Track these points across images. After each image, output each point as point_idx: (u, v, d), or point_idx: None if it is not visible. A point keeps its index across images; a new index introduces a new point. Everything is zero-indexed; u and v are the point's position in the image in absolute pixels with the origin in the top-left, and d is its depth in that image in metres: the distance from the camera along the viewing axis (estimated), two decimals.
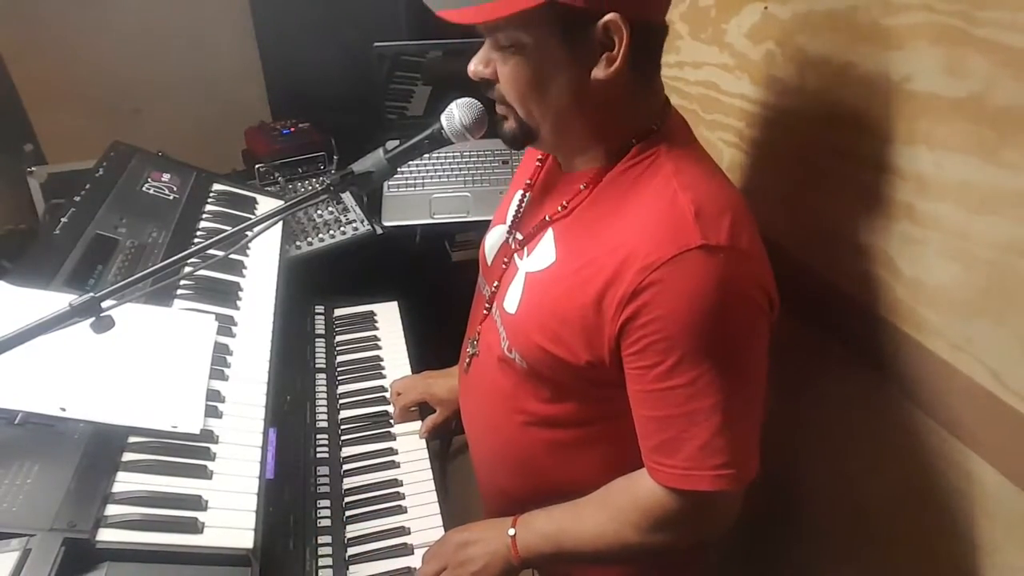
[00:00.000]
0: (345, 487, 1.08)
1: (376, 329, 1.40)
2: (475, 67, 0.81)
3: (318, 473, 1.08)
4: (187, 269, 0.90)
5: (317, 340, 1.33)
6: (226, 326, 1.06)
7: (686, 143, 0.84)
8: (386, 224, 1.56)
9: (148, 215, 1.21)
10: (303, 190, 1.65)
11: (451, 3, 0.74)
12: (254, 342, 1.07)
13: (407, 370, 1.31)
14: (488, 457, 1.05)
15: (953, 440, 0.82)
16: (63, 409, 0.81)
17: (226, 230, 0.86)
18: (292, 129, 1.73)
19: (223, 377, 0.98)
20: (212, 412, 0.91)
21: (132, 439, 0.84)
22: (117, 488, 0.78)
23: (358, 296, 1.47)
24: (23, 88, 1.74)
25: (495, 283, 0.96)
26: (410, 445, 1.18)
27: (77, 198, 1.18)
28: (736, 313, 0.75)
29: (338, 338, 1.37)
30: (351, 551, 0.99)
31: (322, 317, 1.39)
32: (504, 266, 0.95)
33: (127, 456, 0.82)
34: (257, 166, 1.63)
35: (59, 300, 0.73)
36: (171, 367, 0.94)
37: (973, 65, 0.71)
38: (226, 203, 1.35)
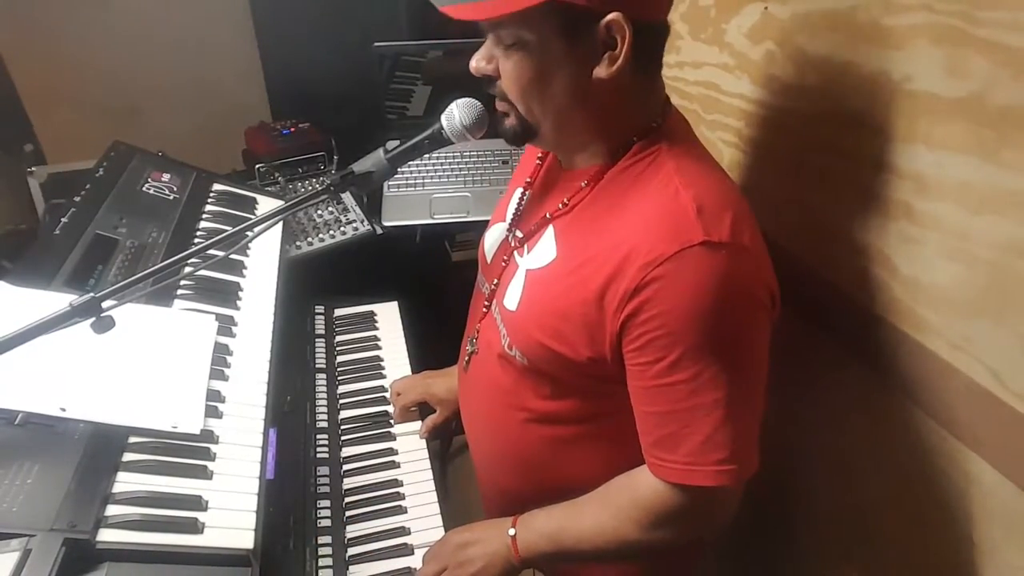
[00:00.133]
0: (345, 487, 1.08)
1: (376, 329, 1.40)
2: (477, 63, 0.81)
3: (318, 473, 1.08)
4: (187, 269, 0.90)
5: (317, 340, 1.34)
6: (226, 326, 1.06)
7: (687, 141, 0.84)
8: (386, 224, 1.56)
9: (148, 215, 1.21)
10: (303, 190, 1.65)
11: None
12: (254, 342, 1.07)
13: (407, 370, 1.31)
14: (488, 456, 1.05)
15: (953, 440, 0.82)
16: (63, 409, 0.81)
17: (226, 230, 0.86)
18: (292, 129, 1.73)
19: (223, 377, 0.98)
20: (212, 412, 0.91)
21: (132, 439, 0.84)
22: (117, 488, 0.78)
23: (358, 296, 1.47)
24: (23, 88, 1.73)
25: (495, 281, 0.96)
26: (410, 445, 1.18)
27: (77, 198, 1.18)
28: (738, 309, 0.75)
29: (338, 338, 1.37)
30: (351, 551, 0.99)
31: (322, 317, 1.39)
32: (504, 264, 0.95)
33: (127, 456, 0.82)
34: (257, 166, 1.63)
35: (59, 300, 0.73)
36: (171, 367, 0.94)
37: (973, 65, 0.71)
38: (226, 203, 1.35)
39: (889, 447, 0.91)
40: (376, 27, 1.73)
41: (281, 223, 1.27)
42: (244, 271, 1.19)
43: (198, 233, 1.24)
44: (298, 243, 1.47)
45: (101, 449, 0.80)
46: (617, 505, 0.86)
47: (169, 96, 1.84)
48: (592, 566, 1.01)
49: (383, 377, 1.29)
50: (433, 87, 1.70)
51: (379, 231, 1.55)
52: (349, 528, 1.02)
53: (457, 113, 0.86)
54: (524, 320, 0.88)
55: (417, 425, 1.21)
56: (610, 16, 0.71)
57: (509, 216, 0.98)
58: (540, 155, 0.97)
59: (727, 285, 0.73)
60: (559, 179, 0.91)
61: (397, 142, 0.88)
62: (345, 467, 1.12)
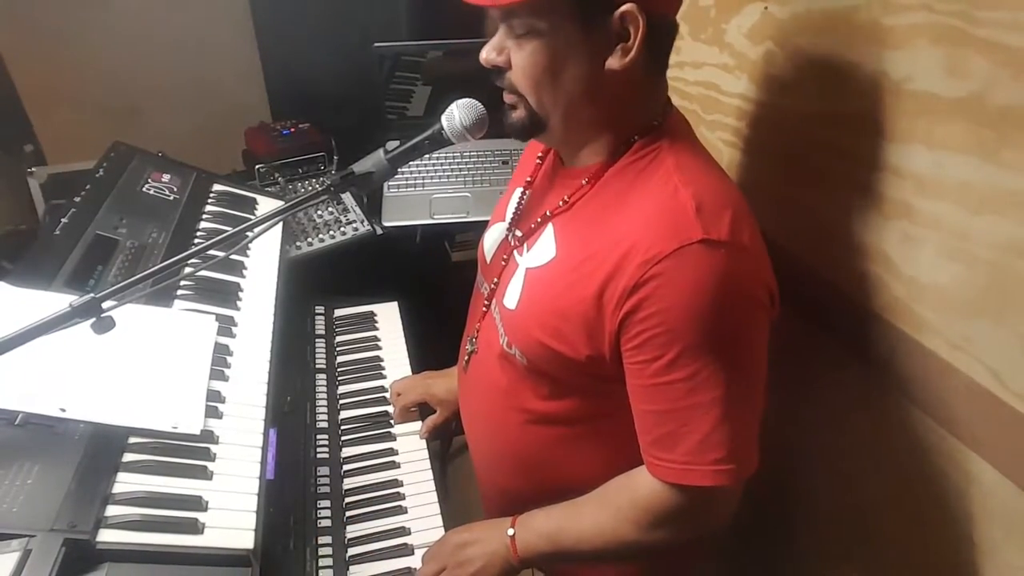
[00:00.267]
0: (345, 487, 1.08)
1: (376, 329, 1.40)
2: (487, 54, 0.81)
3: (318, 473, 1.08)
4: (187, 270, 0.91)
5: (317, 340, 1.34)
6: (226, 326, 1.06)
7: (687, 140, 0.84)
8: (386, 224, 1.56)
9: (148, 215, 1.21)
10: (303, 190, 1.65)
11: None
12: (254, 342, 1.07)
13: (407, 370, 1.31)
14: (488, 456, 1.05)
15: (952, 440, 0.82)
16: (63, 410, 0.81)
17: (226, 231, 0.86)
18: (292, 129, 1.73)
19: (223, 377, 0.98)
20: (212, 412, 0.91)
21: (132, 439, 0.84)
22: (117, 489, 0.78)
23: (358, 296, 1.47)
24: (23, 88, 1.74)
25: (494, 280, 0.96)
26: (410, 445, 1.18)
27: (77, 198, 1.18)
28: (736, 307, 0.75)
29: (338, 338, 1.37)
30: (351, 551, 0.99)
31: (322, 317, 1.39)
32: (503, 263, 0.95)
33: (127, 457, 0.82)
34: (257, 166, 1.63)
35: (59, 301, 0.73)
36: (171, 368, 0.94)
37: (973, 65, 0.71)
38: (226, 204, 1.35)
39: (889, 447, 0.91)
40: (376, 27, 1.73)
41: (281, 223, 1.27)
42: (244, 271, 1.19)
43: (198, 233, 1.24)
44: (298, 243, 1.47)
45: (101, 449, 0.80)
46: (616, 505, 0.86)
47: (169, 96, 1.84)
48: (591, 566, 1.01)
49: (383, 377, 1.29)
50: (433, 87, 1.70)
51: (379, 231, 1.55)
52: (349, 528, 1.02)
53: (457, 113, 0.86)
54: (524, 319, 0.88)
55: (417, 425, 1.21)
56: (625, 7, 0.71)
57: (509, 215, 0.98)
58: (540, 154, 0.97)
59: (726, 283, 0.73)
60: (559, 177, 0.91)
61: (397, 142, 0.88)
62: (345, 467, 1.12)
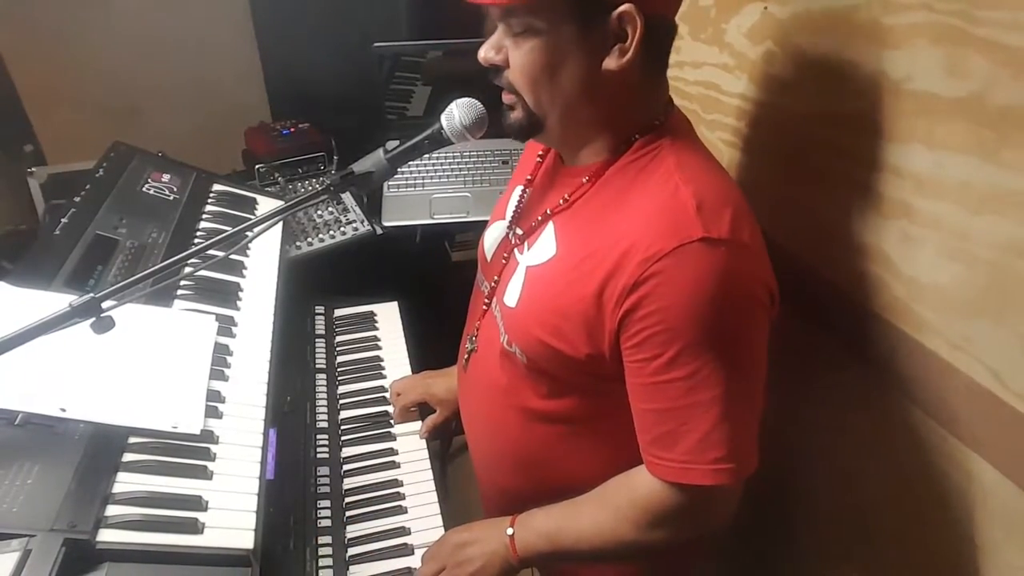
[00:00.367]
0: (345, 487, 1.09)
1: (376, 329, 1.40)
2: (485, 53, 0.81)
3: (318, 473, 1.08)
4: (187, 269, 0.91)
5: (317, 340, 1.34)
6: (226, 326, 1.06)
7: (688, 139, 0.84)
8: (386, 224, 1.56)
9: (148, 215, 1.21)
10: (303, 190, 1.65)
11: None
12: (254, 342, 1.07)
13: (407, 370, 1.31)
14: (488, 455, 1.05)
15: (953, 440, 0.82)
16: (63, 410, 0.81)
17: (226, 230, 0.86)
18: (292, 129, 1.73)
19: (223, 377, 0.98)
20: (212, 412, 0.91)
21: (132, 439, 0.84)
22: (117, 488, 0.78)
23: (358, 296, 1.47)
24: (23, 88, 1.74)
25: (495, 279, 0.96)
26: (410, 445, 1.18)
27: (77, 198, 1.18)
28: (736, 306, 0.75)
29: (338, 338, 1.37)
30: (351, 551, 0.99)
31: (322, 317, 1.40)
32: (504, 261, 0.95)
33: (127, 456, 0.82)
34: (257, 166, 1.63)
35: (59, 300, 0.73)
36: (171, 367, 0.94)
37: (973, 65, 0.71)
38: (226, 203, 1.35)
39: (889, 447, 0.91)
40: (376, 27, 1.73)
41: (281, 223, 1.27)
42: (244, 271, 1.19)
43: (198, 233, 1.24)
44: (298, 243, 1.47)
45: (101, 449, 0.80)
46: (615, 505, 0.86)
47: (169, 96, 1.84)
48: (590, 566, 1.01)
49: (383, 377, 1.30)
50: (433, 87, 1.70)
51: (379, 231, 1.55)
52: (349, 528, 1.02)
53: (457, 113, 0.86)
54: (524, 317, 0.88)
55: (417, 425, 1.21)
56: (623, 7, 0.71)
57: (509, 214, 0.98)
58: (540, 153, 0.97)
59: (726, 281, 0.73)
60: (560, 176, 0.91)
61: (397, 142, 0.88)
62: (345, 467, 1.12)
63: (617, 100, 0.79)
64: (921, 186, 0.80)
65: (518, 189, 0.98)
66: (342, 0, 1.75)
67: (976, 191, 0.74)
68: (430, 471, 1.14)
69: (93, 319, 0.73)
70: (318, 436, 1.15)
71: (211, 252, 0.82)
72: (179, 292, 1.09)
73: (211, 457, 0.86)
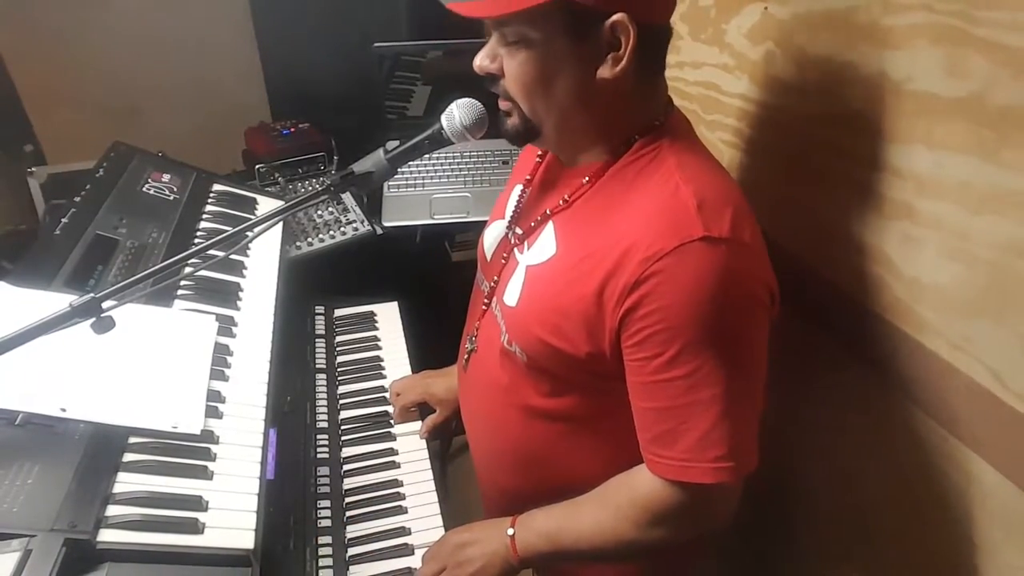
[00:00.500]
0: (345, 487, 1.09)
1: (376, 329, 1.40)
2: (481, 61, 0.81)
3: (318, 473, 1.08)
4: (187, 269, 0.91)
5: (317, 340, 1.34)
6: (226, 326, 1.06)
7: (688, 139, 0.84)
8: (386, 224, 1.56)
9: (148, 215, 1.21)
10: (303, 190, 1.65)
11: None
12: (254, 342, 1.07)
13: (407, 370, 1.31)
14: (488, 454, 1.05)
15: (953, 440, 0.82)
16: (63, 410, 0.81)
17: (226, 230, 0.86)
18: (292, 129, 1.73)
19: (223, 377, 0.98)
20: (212, 412, 0.91)
21: (132, 439, 0.84)
22: (118, 488, 0.78)
23: (358, 296, 1.47)
24: (23, 88, 1.74)
25: (494, 278, 0.97)
26: (410, 445, 1.18)
27: (77, 198, 1.18)
28: (737, 305, 0.75)
29: (338, 338, 1.37)
30: (351, 551, 0.99)
31: (322, 317, 1.39)
32: (504, 261, 0.95)
33: (127, 456, 0.82)
34: (257, 166, 1.63)
35: (59, 300, 0.73)
36: (171, 367, 0.94)
37: (973, 65, 0.71)
38: (226, 203, 1.35)
39: (889, 447, 0.91)
40: (376, 27, 1.73)
41: (281, 223, 1.27)
42: (244, 271, 1.19)
43: (198, 233, 1.24)
44: (298, 243, 1.47)
45: (101, 449, 0.80)
46: (615, 504, 0.86)
47: (169, 96, 1.84)
48: (591, 566, 1.01)
49: (383, 377, 1.29)
50: (433, 87, 1.71)
51: (379, 231, 1.55)
52: (349, 528, 1.02)
53: (457, 113, 0.86)
54: (524, 316, 0.88)
55: (417, 425, 1.21)
56: (615, 17, 0.71)
57: (508, 213, 0.98)
58: (540, 153, 0.97)
59: (726, 280, 0.73)
60: (559, 176, 0.91)
61: (397, 142, 0.88)
62: (345, 467, 1.12)
63: (613, 106, 0.79)
64: (921, 186, 0.80)
65: (517, 188, 0.98)
66: (342, 0, 1.75)
67: (976, 191, 0.74)
68: (430, 471, 1.14)
69: (93, 319, 0.73)
70: (318, 436, 1.15)
71: (211, 252, 0.82)
72: (179, 292, 1.09)
73: (211, 457, 0.86)
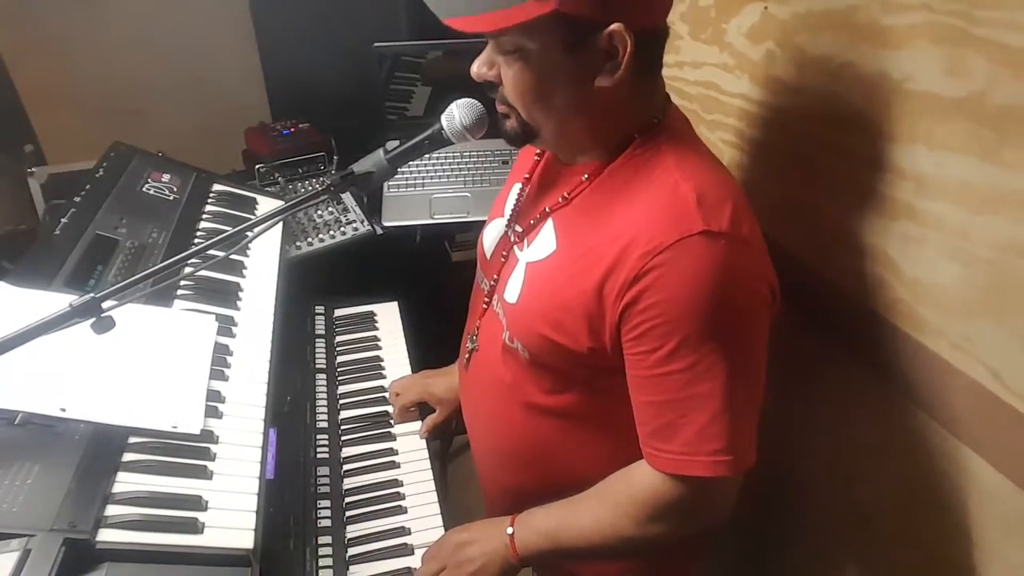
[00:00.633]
0: (345, 487, 1.09)
1: (376, 329, 1.40)
2: (478, 69, 0.81)
3: (318, 473, 1.08)
4: (187, 269, 0.91)
5: (317, 340, 1.34)
6: (226, 326, 1.06)
7: (687, 136, 0.85)
8: (386, 224, 1.56)
9: (148, 215, 1.21)
10: (303, 190, 1.65)
11: (456, 10, 0.74)
12: (254, 342, 1.07)
13: (407, 370, 1.31)
14: (489, 452, 1.05)
15: (953, 440, 0.82)
16: (63, 409, 0.81)
17: (226, 230, 0.86)
18: (292, 129, 1.73)
19: (223, 377, 0.98)
20: (212, 412, 0.91)
21: (132, 439, 0.84)
22: (117, 488, 0.78)
23: (358, 296, 1.47)
24: (23, 88, 1.74)
25: (494, 276, 0.97)
26: (410, 445, 1.18)
27: (77, 198, 1.18)
28: (737, 299, 0.75)
29: (338, 338, 1.37)
30: (351, 551, 0.99)
31: (322, 317, 1.40)
32: (503, 259, 0.95)
33: (127, 456, 0.82)
34: (257, 166, 1.63)
35: (59, 300, 0.73)
36: (171, 367, 0.94)
37: (973, 65, 0.71)
38: (226, 203, 1.35)
39: (889, 447, 0.91)
40: (376, 27, 1.73)
41: (281, 223, 1.27)
42: (244, 271, 1.19)
43: (198, 233, 1.24)
44: (298, 243, 1.47)
45: (101, 449, 0.80)
46: (615, 501, 0.86)
47: (169, 96, 1.84)
48: (591, 564, 1.01)
49: (383, 377, 1.30)
50: (433, 87, 1.71)
51: (379, 231, 1.55)
52: (349, 528, 1.02)
53: (457, 113, 0.86)
54: (525, 312, 0.88)
55: (417, 425, 1.22)
56: (612, 27, 0.71)
57: (508, 211, 0.98)
58: (538, 151, 0.97)
59: (726, 275, 0.73)
60: (558, 173, 0.91)
61: (397, 142, 0.88)
62: (345, 467, 1.12)
63: (611, 110, 0.79)
64: (922, 186, 0.80)
65: (516, 186, 0.99)
66: (342, 0, 1.75)
67: (976, 191, 0.74)
68: (430, 471, 1.14)
69: (93, 319, 0.73)
70: (318, 436, 1.15)
71: (211, 252, 0.82)
72: (179, 292, 1.09)
73: (211, 457, 0.86)
